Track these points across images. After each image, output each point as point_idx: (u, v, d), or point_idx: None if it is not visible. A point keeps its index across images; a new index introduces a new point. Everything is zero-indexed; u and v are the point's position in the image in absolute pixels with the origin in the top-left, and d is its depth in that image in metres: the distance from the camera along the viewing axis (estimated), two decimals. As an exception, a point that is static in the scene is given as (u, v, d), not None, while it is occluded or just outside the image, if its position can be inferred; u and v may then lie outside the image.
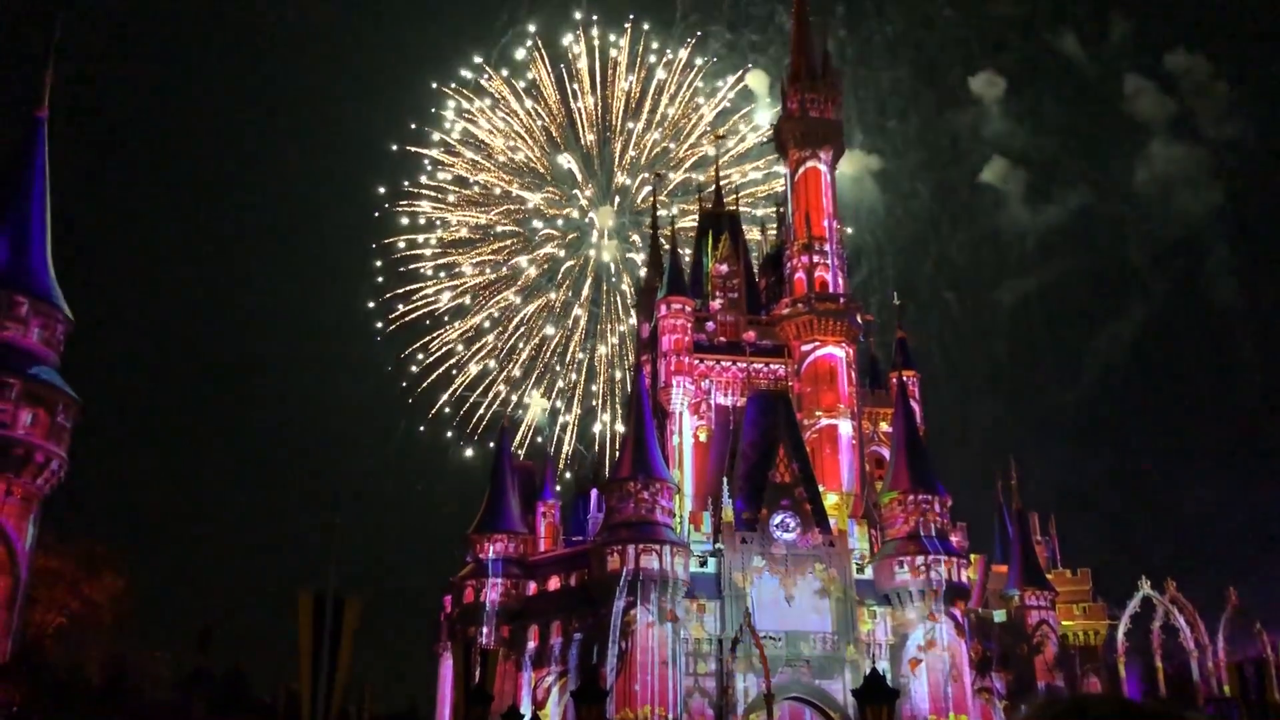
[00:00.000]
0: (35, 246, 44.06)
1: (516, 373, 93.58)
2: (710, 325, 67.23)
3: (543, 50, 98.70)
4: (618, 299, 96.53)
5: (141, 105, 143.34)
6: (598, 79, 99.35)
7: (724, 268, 69.51)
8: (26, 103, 46.78)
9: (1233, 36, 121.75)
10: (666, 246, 73.45)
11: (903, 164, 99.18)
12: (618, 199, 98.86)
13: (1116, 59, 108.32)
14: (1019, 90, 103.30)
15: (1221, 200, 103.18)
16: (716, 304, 68.44)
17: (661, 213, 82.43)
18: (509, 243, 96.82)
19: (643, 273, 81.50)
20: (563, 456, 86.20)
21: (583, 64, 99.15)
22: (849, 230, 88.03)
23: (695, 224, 77.54)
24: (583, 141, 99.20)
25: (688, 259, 72.56)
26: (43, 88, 46.75)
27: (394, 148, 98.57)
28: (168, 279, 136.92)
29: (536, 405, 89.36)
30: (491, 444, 74.06)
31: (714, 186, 79.27)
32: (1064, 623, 65.11)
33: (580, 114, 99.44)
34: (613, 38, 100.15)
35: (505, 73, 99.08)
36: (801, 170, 71.40)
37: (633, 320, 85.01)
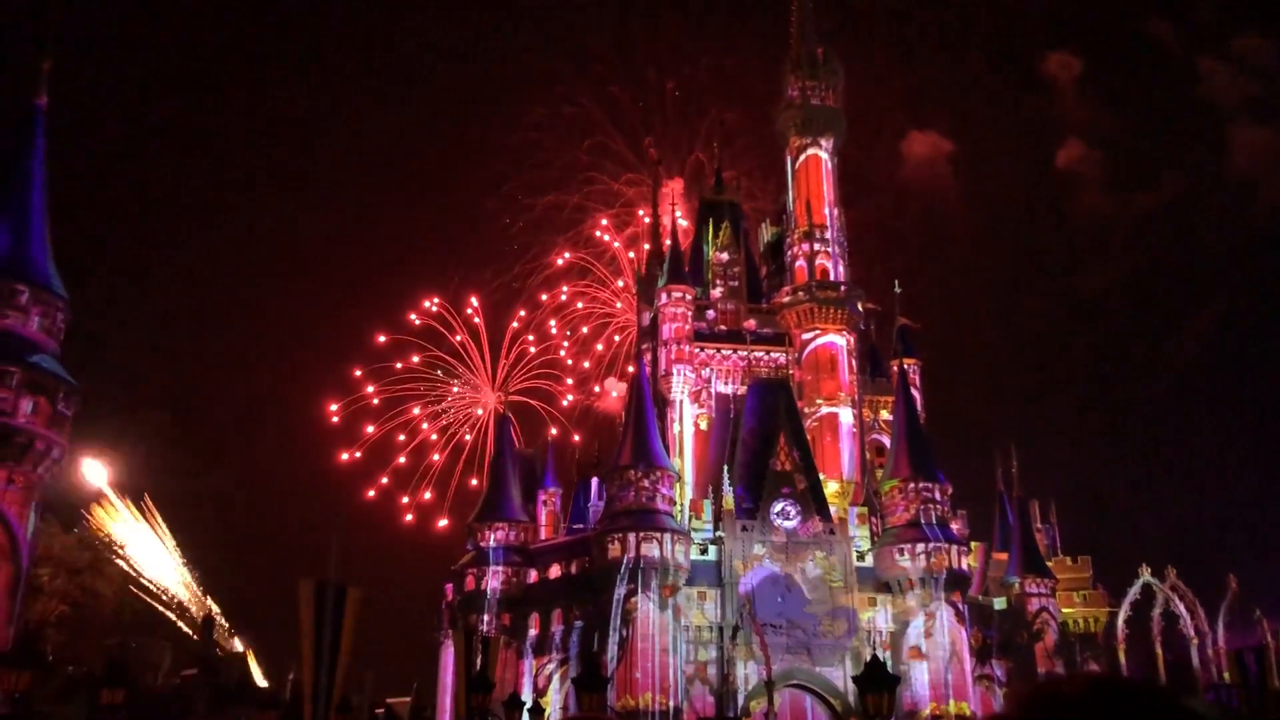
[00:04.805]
0: (35, 235, 43.88)
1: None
2: (711, 313, 67.08)
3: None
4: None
5: (141, 92, 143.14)
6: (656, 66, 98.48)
7: (725, 255, 69.34)
8: (25, 91, 46.67)
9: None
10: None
11: (979, 148, 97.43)
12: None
13: (1191, 41, 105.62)
14: (1096, 73, 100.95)
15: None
16: (717, 292, 68.28)
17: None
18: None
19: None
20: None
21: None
22: (852, 217, 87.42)
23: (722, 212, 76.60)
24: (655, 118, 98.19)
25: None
26: (41, 76, 46.57)
27: None
28: (169, 266, 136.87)
29: (612, 390, 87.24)
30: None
31: (715, 173, 78.78)
32: (1064, 610, 65.18)
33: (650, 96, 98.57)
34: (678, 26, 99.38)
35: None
36: (802, 158, 71.08)
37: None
